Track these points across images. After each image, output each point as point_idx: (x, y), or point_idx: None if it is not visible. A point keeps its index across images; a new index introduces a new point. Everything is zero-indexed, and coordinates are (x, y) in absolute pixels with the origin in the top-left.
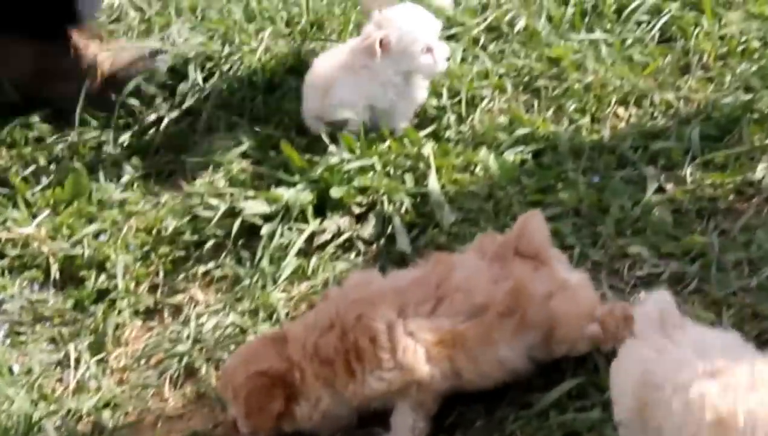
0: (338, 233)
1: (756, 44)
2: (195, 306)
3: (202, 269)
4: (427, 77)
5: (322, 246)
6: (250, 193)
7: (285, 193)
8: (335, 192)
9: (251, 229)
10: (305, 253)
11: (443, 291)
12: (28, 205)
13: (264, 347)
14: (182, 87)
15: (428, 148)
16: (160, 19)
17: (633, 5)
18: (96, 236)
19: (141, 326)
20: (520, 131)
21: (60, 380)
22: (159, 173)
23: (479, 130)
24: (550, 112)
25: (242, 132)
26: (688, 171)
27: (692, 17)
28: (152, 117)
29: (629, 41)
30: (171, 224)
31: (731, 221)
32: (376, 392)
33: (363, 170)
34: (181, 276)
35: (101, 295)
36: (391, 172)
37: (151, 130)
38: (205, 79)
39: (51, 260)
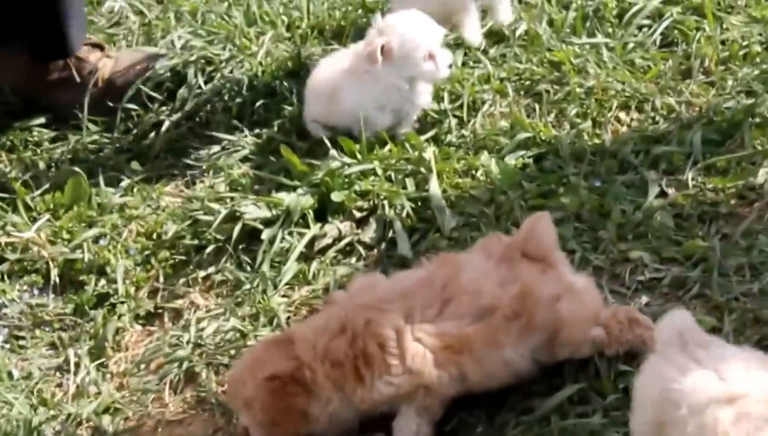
0: (339, 238)
1: (757, 48)
2: (195, 311)
3: (202, 273)
4: (429, 83)
5: (323, 251)
6: (251, 197)
7: (286, 198)
8: (336, 196)
9: (252, 233)
10: (306, 257)
11: (450, 293)
12: (28, 209)
13: (267, 351)
14: (182, 91)
15: (429, 153)
16: (161, 24)
17: (634, 9)
18: (96, 240)
19: (141, 330)
20: (522, 136)
21: (60, 384)
22: (159, 177)
23: (480, 134)
24: (552, 116)
25: (243, 136)
26: (689, 175)
27: (694, 21)
28: (152, 121)
29: (631, 45)
30: (171, 229)
31: (733, 225)
32: (385, 397)
33: (364, 175)
34: (182, 281)
35: (101, 299)
36: (392, 176)
37: (152, 135)
38: (206, 83)
39: (51, 264)
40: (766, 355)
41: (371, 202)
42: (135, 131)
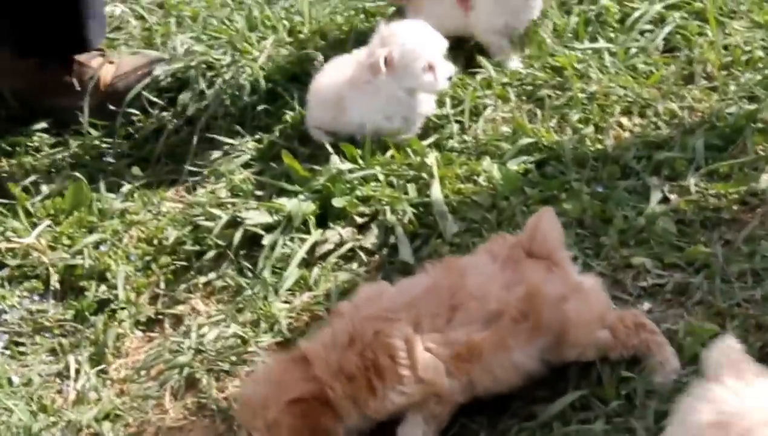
0: (340, 244)
1: (760, 53)
2: (196, 317)
3: (203, 279)
4: (428, 94)
5: (324, 256)
6: (252, 203)
7: (287, 203)
8: (337, 202)
9: (253, 239)
10: (307, 263)
11: (457, 300)
12: (28, 215)
13: (286, 371)
14: (183, 96)
15: (431, 158)
16: (162, 28)
17: (637, 14)
18: (96, 246)
19: (142, 336)
20: (524, 141)
21: (60, 391)
22: (160, 183)
23: (482, 139)
24: (554, 121)
25: (244, 141)
26: (692, 181)
27: (696, 26)
28: (153, 126)
29: (633, 51)
30: (172, 234)
31: (735, 231)
32: (397, 406)
33: (365, 180)
34: (182, 286)
35: (101, 305)
36: (394, 182)
37: (152, 140)
38: (207, 88)
39: (51, 270)
40: None
41: (373, 207)
42: (136, 136)
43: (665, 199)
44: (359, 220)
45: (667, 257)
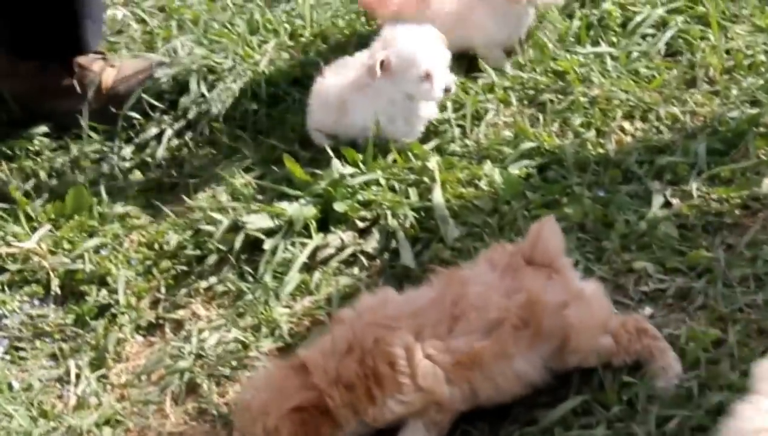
0: (342, 248)
1: (762, 58)
2: (197, 321)
3: (204, 284)
4: (425, 101)
5: (326, 261)
6: (253, 207)
7: (288, 208)
8: (339, 206)
9: (254, 243)
10: (308, 268)
11: (458, 310)
12: (28, 219)
13: (287, 379)
14: (184, 100)
15: (433, 162)
16: (163, 32)
17: (639, 19)
18: (97, 250)
19: (142, 341)
20: (525, 145)
21: (60, 396)
22: (161, 187)
23: (484, 144)
24: (555, 126)
25: (245, 145)
26: (694, 186)
27: (698, 31)
28: (154, 130)
29: (635, 55)
30: (173, 239)
31: (737, 235)
32: (396, 415)
33: (367, 184)
34: (183, 291)
35: (102, 310)
36: (396, 186)
37: (153, 144)
38: (208, 92)
39: (51, 274)
40: None
41: (374, 212)
42: (137, 140)
43: (667, 204)
44: (360, 224)
45: (669, 261)
